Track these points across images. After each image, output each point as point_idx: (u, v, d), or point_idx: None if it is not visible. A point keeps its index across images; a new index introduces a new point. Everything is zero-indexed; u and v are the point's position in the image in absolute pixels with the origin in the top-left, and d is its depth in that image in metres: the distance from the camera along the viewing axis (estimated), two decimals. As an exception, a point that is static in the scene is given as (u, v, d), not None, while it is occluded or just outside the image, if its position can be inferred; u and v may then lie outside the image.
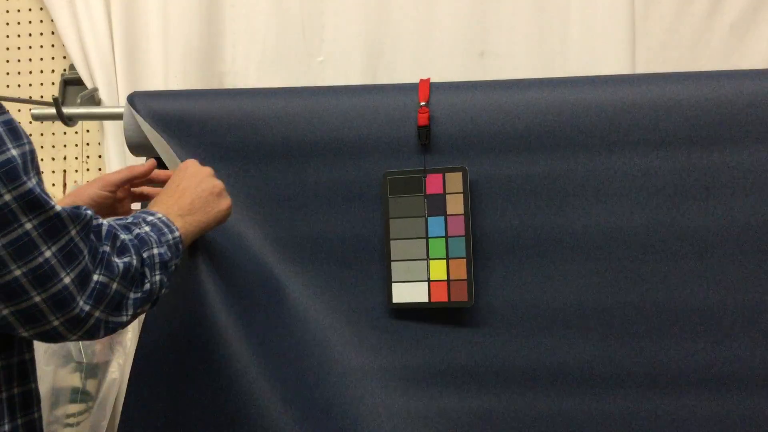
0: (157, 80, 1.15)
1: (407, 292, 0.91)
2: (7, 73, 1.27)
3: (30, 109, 1.16)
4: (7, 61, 1.27)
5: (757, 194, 0.86)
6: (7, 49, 1.27)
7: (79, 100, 1.12)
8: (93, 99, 1.15)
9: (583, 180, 0.89)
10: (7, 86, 1.27)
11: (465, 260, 0.90)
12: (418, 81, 0.94)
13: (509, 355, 0.89)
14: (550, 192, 0.89)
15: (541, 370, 0.89)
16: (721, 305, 0.86)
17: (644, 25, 1.09)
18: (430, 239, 0.91)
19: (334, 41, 1.15)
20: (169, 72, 1.14)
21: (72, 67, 1.20)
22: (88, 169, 1.26)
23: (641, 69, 1.07)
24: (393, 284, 0.91)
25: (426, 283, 0.90)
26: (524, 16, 1.10)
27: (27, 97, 1.24)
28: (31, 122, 1.23)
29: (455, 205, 0.90)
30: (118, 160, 1.17)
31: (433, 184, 0.91)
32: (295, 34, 1.15)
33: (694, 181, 0.87)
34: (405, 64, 1.13)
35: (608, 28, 1.07)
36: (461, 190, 0.90)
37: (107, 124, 1.17)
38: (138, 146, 0.99)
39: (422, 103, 0.91)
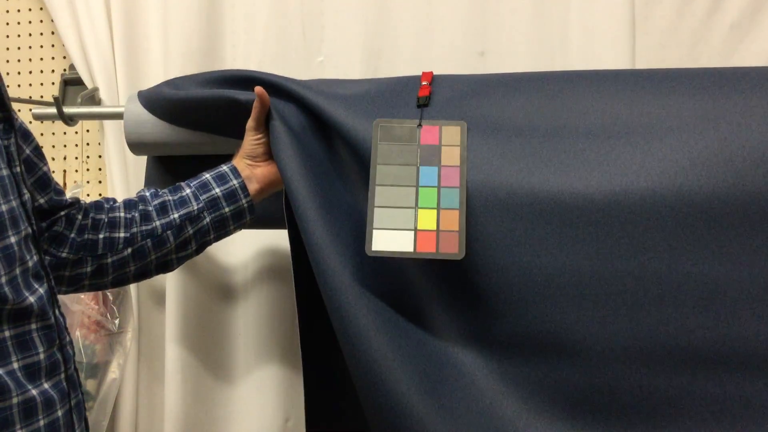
0: (157, 80, 1.14)
1: (390, 239, 0.84)
2: (7, 73, 1.27)
3: (30, 109, 1.17)
4: (7, 61, 1.27)
5: None
6: (7, 49, 1.27)
7: (79, 100, 1.12)
8: (93, 99, 1.15)
9: (585, 138, 0.85)
10: (7, 86, 1.26)
11: (458, 211, 0.84)
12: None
13: (497, 318, 0.85)
14: (549, 152, 0.85)
15: (531, 336, 0.84)
16: (727, 278, 0.81)
17: (644, 25, 1.09)
18: (420, 188, 0.85)
19: (334, 41, 1.15)
20: (169, 72, 1.14)
21: (72, 67, 1.20)
22: (88, 169, 1.26)
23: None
24: (374, 231, 0.84)
25: (412, 231, 0.84)
26: (524, 15, 1.10)
27: (27, 97, 1.24)
28: (31, 122, 1.23)
29: (451, 156, 0.86)
30: (118, 160, 1.17)
31: (428, 135, 0.87)
32: (295, 34, 1.15)
33: (703, 148, 0.83)
34: (405, 64, 1.13)
35: (608, 28, 1.07)
36: (458, 143, 0.86)
37: (107, 124, 1.17)
38: (138, 145, 0.99)
39: (424, 82, 0.91)
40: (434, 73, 0.93)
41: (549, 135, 0.86)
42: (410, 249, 0.84)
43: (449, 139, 0.86)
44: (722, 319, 0.81)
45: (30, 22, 1.26)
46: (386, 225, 0.84)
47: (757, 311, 0.81)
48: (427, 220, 0.84)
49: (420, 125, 0.87)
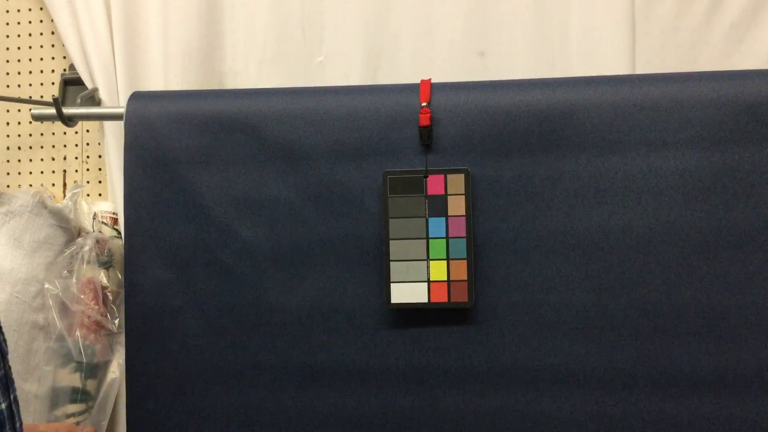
0: (157, 80, 1.15)
1: (406, 292, 0.90)
2: (7, 73, 1.27)
3: (30, 109, 1.17)
4: (7, 61, 1.27)
5: (759, 195, 0.86)
6: (7, 49, 1.27)
7: (79, 100, 1.12)
8: (93, 99, 1.15)
9: (584, 181, 0.89)
10: (7, 86, 1.27)
11: (465, 261, 0.89)
12: (418, 81, 0.94)
13: (510, 356, 0.90)
14: (551, 193, 0.90)
15: (542, 372, 0.89)
16: (724, 306, 0.87)
17: (644, 25, 1.09)
18: (430, 240, 0.91)
19: (334, 41, 1.15)
20: (169, 72, 1.14)
21: (72, 67, 1.20)
22: (88, 169, 1.26)
23: (641, 69, 1.07)
24: (392, 284, 0.90)
25: (426, 283, 0.90)
26: (524, 16, 1.10)
27: (27, 97, 1.24)
28: (31, 122, 1.23)
29: (457, 206, 0.90)
30: (118, 160, 1.17)
31: (434, 184, 0.91)
32: (295, 34, 1.15)
33: (696, 182, 0.87)
34: (405, 64, 1.13)
35: (608, 28, 1.07)
36: (463, 192, 0.90)
37: (107, 124, 1.17)
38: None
39: (423, 104, 0.91)
40: (432, 81, 0.94)
41: (550, 172, 0.90)
42: (425, 300, 0.90)
43: (454, 187, 0.90)
44: (722, 345, 0.86)
45: (30, 22, 1.26)
46: (402, 278, 0.91)
47: (754, 335, 0.86)
48: (439, 271, 0.90)
49: (426, 175, 0.90)
